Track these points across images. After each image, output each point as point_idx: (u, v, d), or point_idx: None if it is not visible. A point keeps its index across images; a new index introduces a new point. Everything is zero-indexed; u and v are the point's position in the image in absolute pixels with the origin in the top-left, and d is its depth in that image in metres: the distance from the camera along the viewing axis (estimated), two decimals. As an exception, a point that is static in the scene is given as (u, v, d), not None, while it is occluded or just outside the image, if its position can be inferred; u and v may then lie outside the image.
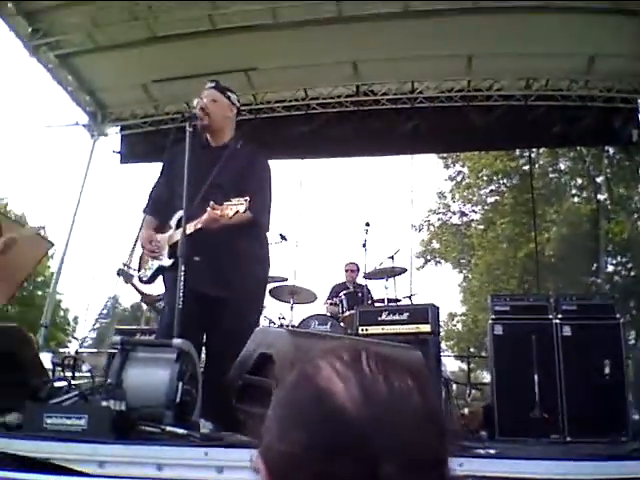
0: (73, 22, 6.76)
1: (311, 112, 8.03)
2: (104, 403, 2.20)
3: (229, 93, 3.37)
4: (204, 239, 2.92)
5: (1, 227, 4.36)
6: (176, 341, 2.44)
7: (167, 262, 3.13)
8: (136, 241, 3.51)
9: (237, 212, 2.76)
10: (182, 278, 2.69)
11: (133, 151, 8.60)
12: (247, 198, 2.76)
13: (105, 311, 27.19)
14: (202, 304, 2.94)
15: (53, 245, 5.42)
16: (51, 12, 6.73)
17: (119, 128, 8.72)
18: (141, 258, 3.33)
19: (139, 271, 3.32)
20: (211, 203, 2.81)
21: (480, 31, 6.37)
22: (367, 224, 6.44)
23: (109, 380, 2.34)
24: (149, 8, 6.51)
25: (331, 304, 6.67)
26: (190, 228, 2.85)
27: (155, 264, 3.21)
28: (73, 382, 2.60)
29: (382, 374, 0.66)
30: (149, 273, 3.23)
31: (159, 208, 3.28)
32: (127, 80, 7.77)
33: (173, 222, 3.15)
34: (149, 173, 8.69)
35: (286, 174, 8.31)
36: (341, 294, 6.53)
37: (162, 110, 8.38)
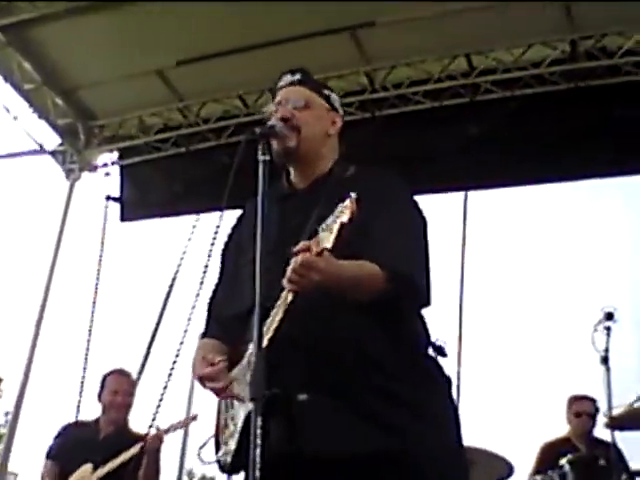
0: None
1: (480, 98, 5.74)
2: None
3: (327, 91, 2.53)
4: (313, 360, 2.14)
5: None
6: None
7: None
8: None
9: (341, 227, 1.92)
10: (259, 431, 1.90)
11: (145, 196, 6.85)
12: (353, 196, 1.94)
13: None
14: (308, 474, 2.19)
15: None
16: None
17: (117, 155, 6.94)
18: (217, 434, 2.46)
19: (217, 451, 2.46)
20: (298, 245, 2.02)
21: None
22: (609, 316, 4.49)
23: None
24: None
25: (543, 480, 5.60)
26: (274, 322, 2.12)
27: (239, 415, 2.30)
28: None
29: None
30: (232, 446, 2.30)
31: (227, 323, 2.49)
32: (128, 59, 6.03)
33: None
34: (181, 239, 6.56)
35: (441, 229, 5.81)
36: (563, 461, 4.84)
37: (195, 116, 6.48)
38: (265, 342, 2.09)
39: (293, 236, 2.22)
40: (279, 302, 2.17)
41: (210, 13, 5.57)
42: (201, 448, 2.64)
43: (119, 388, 4.60)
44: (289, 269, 2.04)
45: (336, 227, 1.95)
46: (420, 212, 2.43)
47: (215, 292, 2.70)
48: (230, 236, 2.70)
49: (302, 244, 2.01)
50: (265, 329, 2.10)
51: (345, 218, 1.94)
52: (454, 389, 3.56)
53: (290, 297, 2.09)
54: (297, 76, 2.56)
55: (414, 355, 2.32)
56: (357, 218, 2.07)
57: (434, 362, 2.43)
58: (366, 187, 2.24)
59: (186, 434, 6.08)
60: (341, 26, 5.61)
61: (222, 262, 2.71)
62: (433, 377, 2.34)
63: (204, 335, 2.66)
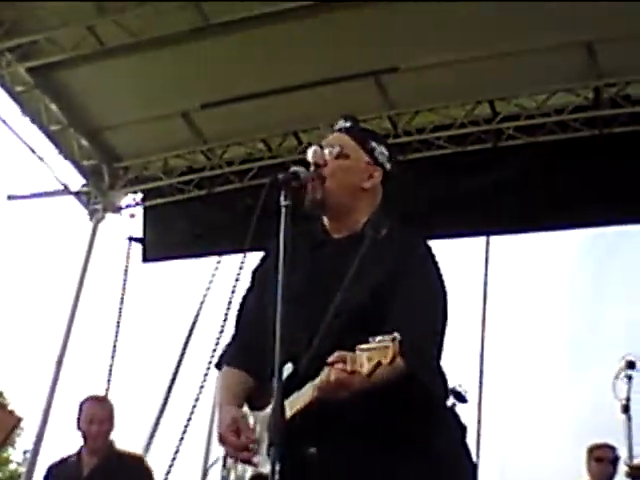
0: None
1: (503, 144, 5.82)
2: None
3: (374, 143, 2.50)
4: (323, 414, 2.15)
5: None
6: None
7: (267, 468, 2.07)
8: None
9: (378, 365, 1.90)
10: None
11: (167, 238, 6.93)
12: (395, 336, 1.88)
13: None
14: None
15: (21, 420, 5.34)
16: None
17: (140, 197, 7.06)
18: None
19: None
20: (335, 355, 1.97)
21: None
22: (631, 364, 4.70)
23: None
24: None
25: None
26: (296, 404, 2.13)
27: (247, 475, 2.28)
28: None
29: None
30: None
31: (254, 351, 2.37)
32: (153, 101, 6.17)
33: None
34: (203, 281, 6.77)
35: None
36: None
37: (219, 158, 6.60)
38: (291, 412, 2.11)
39: (319, 285, 2.31)
40: (303, 391, 2.18)
41: (235, 57, 5.62)
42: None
43: (94, 416, 4.48)
44: (321, 379, 2.07)
45: (374, 363, 1.94)
46: (442, 284, 2.44)
47: (244, 311, 2.65)
48: (260, 264, 2.67)
49: (337, 356, 2.01)
50: (286, 404, 2.11)
51: (385, 361, 1.92)
52: (474, 435, 3.54)
53: (314, 396, 2.11)
54: (346, 124, 2.59)
55: (427, 411, 2.29)
56: (383, 279, 2.25)
57: (450, 411, 2.45)
58: (395, 254, 2.33)
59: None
60: (365, 71, 5.64)
61: (252, 281, 2.68)
62: (447, 427, 2.33)
63: (229, 361, 2.58)
